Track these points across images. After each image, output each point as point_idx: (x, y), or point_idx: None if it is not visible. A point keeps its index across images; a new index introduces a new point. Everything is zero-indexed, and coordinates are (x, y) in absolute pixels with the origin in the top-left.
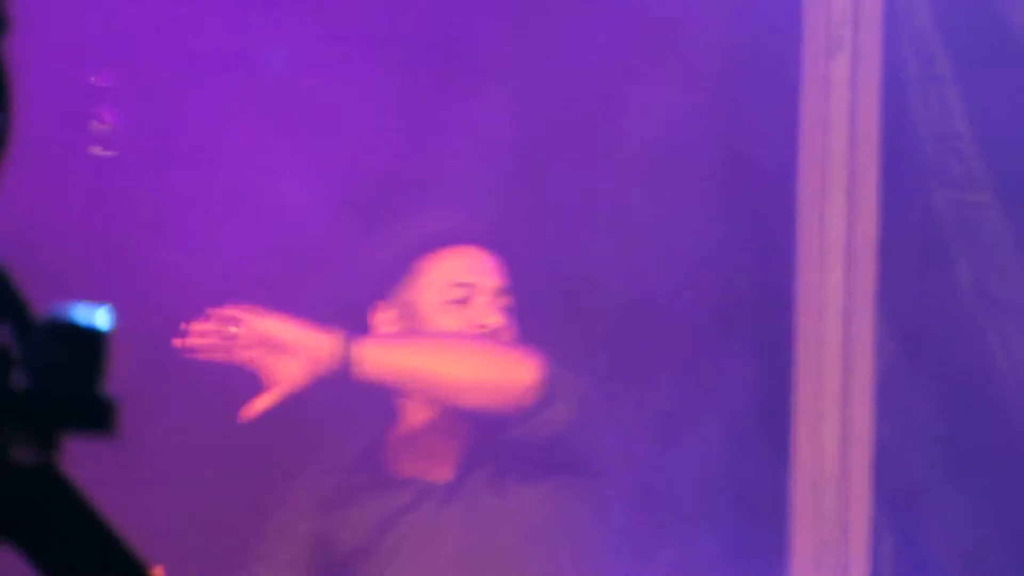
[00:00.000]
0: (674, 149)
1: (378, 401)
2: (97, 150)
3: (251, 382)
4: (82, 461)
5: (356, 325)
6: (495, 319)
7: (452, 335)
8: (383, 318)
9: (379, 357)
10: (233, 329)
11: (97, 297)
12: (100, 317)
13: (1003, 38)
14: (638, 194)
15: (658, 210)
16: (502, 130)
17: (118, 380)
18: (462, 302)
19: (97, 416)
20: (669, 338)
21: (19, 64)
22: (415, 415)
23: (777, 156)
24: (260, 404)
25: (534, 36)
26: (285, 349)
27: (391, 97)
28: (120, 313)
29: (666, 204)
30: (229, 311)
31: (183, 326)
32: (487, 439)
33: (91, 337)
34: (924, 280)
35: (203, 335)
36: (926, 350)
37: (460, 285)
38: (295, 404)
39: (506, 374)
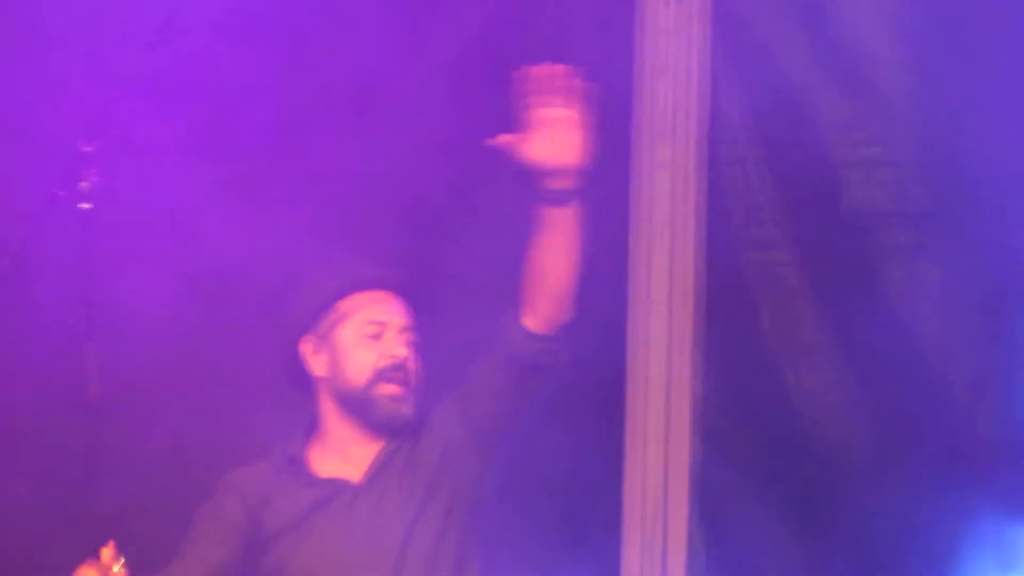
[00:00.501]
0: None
1: (305, 412)
2: (83, 205)
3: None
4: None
5: (289, 355)
6: (402, 351)
7: None
8: (308, 349)
9: None
10: None
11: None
12: None
13: (803, 123)
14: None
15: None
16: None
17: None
18: (375, 337)
19: None
20: None
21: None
22: (335, 426)
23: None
24: None
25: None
26: None
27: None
28: None
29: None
30: None
31: None
32: (396, 450)
33: None
34: (737, 324)
35: None
36: (739, 381)
37: (373, 323)
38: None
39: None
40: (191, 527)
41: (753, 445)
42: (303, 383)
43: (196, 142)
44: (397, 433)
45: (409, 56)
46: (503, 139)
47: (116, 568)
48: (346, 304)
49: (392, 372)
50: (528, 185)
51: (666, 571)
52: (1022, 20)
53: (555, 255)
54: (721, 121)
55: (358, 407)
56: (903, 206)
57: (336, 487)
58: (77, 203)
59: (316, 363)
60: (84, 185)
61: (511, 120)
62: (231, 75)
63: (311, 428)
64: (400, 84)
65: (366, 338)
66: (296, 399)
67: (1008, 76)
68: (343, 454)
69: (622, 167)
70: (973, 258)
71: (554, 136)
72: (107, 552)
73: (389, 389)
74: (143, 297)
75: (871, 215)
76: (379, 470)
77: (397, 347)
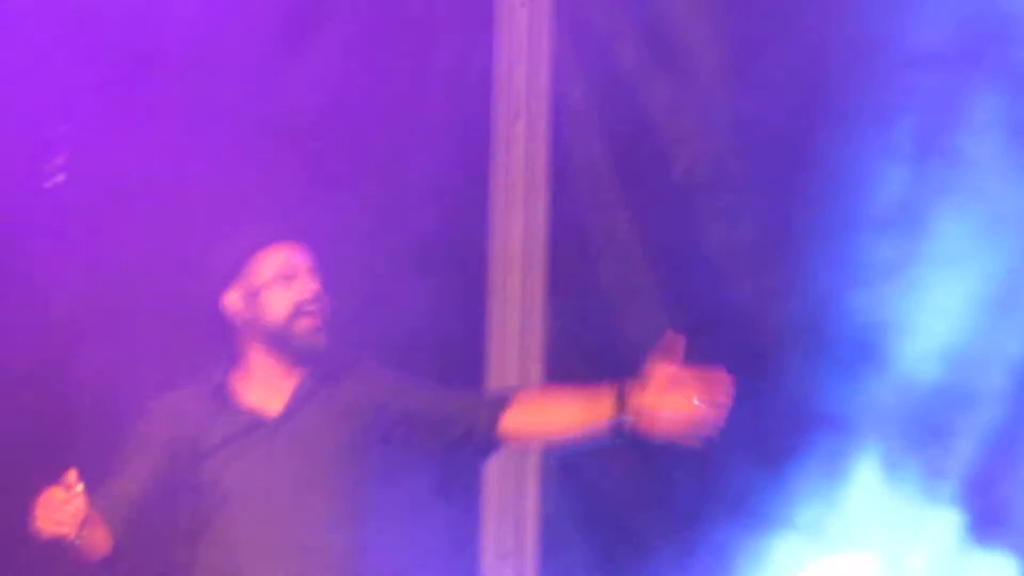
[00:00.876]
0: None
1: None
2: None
3: None
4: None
5: (213, 306)
6: (315, 286)
7: None
8: (232, 298)
9: None
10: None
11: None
12: None
13: (635, 104)
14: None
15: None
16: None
17: None
18: (289, 278)
19: None
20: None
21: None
22: (259, 362)
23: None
24: None
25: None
26: None
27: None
28: None
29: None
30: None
31: None
32: (315, 388)
33: None
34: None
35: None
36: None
37: (287, 266)
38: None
39: None
40: (123, 446)
41: (596, 374)
42: (227, 330)
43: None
44: (315, 361)
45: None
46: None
47: (78, 488)
48: (262, 255)
49: (308, 306)
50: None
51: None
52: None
53: (566, 433)
54: (566, 101)
55: (280, 341)
56: (722, 174)
57: (260, 416)
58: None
59: (240, 310)
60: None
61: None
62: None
63: (232, 363)
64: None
65: (283, 279)
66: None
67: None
68: (266, 386)
69: (485, 139)
70: (778, 216)
71: (681, 421)
72: (71, 475)
73: (306, 321)
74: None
75: (696, 182)
76: (300, 403)
77: (310, 284)
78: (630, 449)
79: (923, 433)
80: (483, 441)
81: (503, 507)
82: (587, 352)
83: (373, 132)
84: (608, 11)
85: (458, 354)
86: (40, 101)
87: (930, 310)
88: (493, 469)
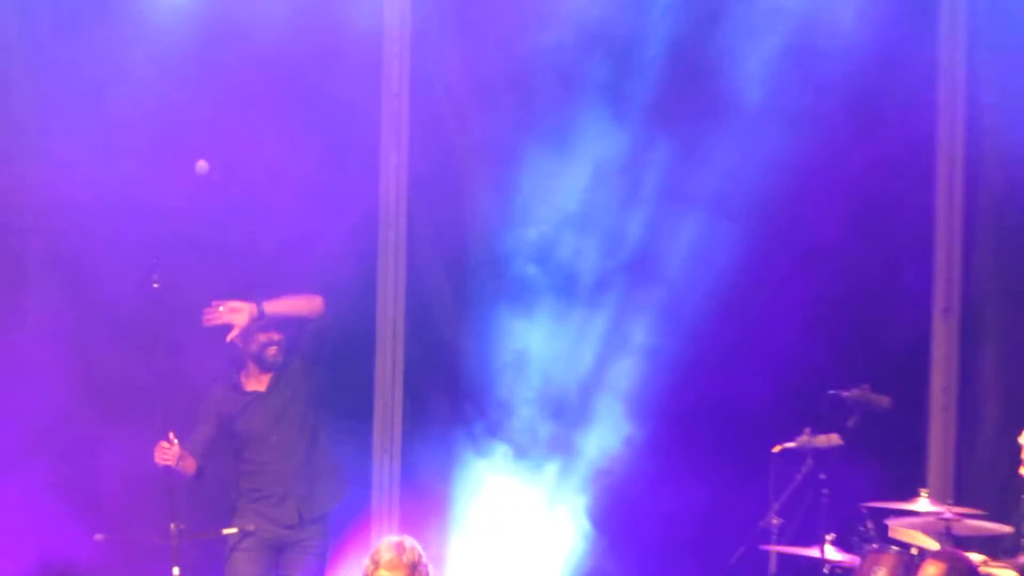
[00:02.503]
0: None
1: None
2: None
3: None
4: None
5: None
6: (276, 337)
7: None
8: (238, 339)
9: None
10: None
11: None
12: None
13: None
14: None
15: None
16: None
17: None
18: (263, 330)
19: None
20: None
21: None
22: (251, 368)
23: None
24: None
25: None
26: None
27: None
28: None
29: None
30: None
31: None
32: (281, 377)
33: None
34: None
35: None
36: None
37: (262, 327)
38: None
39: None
40: (195, 416)
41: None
42: (237, 354)
43: None
44: (276, 368)
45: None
46: None
47: (175, 440)
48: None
49: (271, 346)
50: None
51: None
52: None
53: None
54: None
55: (259, 360)
56: None
57: (258, 394)
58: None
59: (242, 345)
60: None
61: None
62: None
63: (240, 368)
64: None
65: (260, 332)
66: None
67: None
68: (256, 380)
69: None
70: None
71: None
72: (171, 435)
73: (271, 352)
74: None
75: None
76: (275, 385)
77: (273, 336)
78: None
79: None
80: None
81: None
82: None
83: None
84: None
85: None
86: None
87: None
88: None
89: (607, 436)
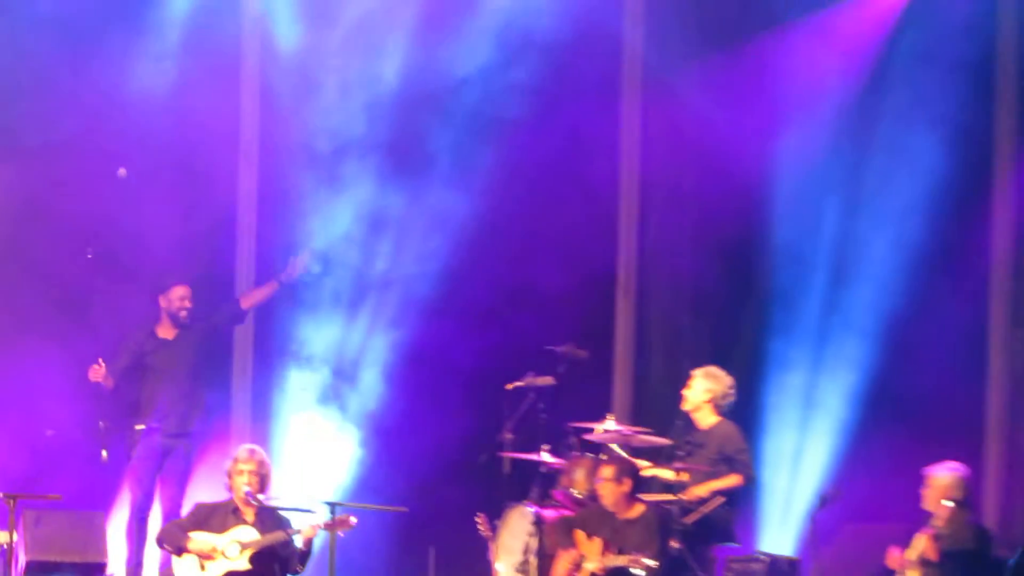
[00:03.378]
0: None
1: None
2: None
3: None
4: None
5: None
6: (186, 299)
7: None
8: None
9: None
10: None
11: None
12: None
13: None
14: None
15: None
16: None
17: None
18: (182, 298)
19: None
20: None
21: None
22: (164, 321)
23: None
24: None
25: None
26: None
27: None
28: None
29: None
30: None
31: None
32: (187, 330)
33: None
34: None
35: None
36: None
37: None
38: None
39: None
40: (120, 350)
41: None
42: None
43: None
44: (182, 327)
45: None
46: None
47: (103, 365)
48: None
49: (183, 306)
50: None
51: None
52: None
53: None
54: None
55: (172, 317)
56: None
57: (166, 341)
58: None
59: (162, 304)
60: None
61: None
62: None
63: (157, 321)
64: None
65: (178, 299)
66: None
67: None
68: (167, 330)
69: None
70: None
71: None
72: (100, 361)
73: (183, 315)
74: None
75: None
76: (181, 334)
77: (187, 304)
78: None
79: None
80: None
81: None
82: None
83: None
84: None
85: None
86: None
87: None
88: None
89: (375, 387)
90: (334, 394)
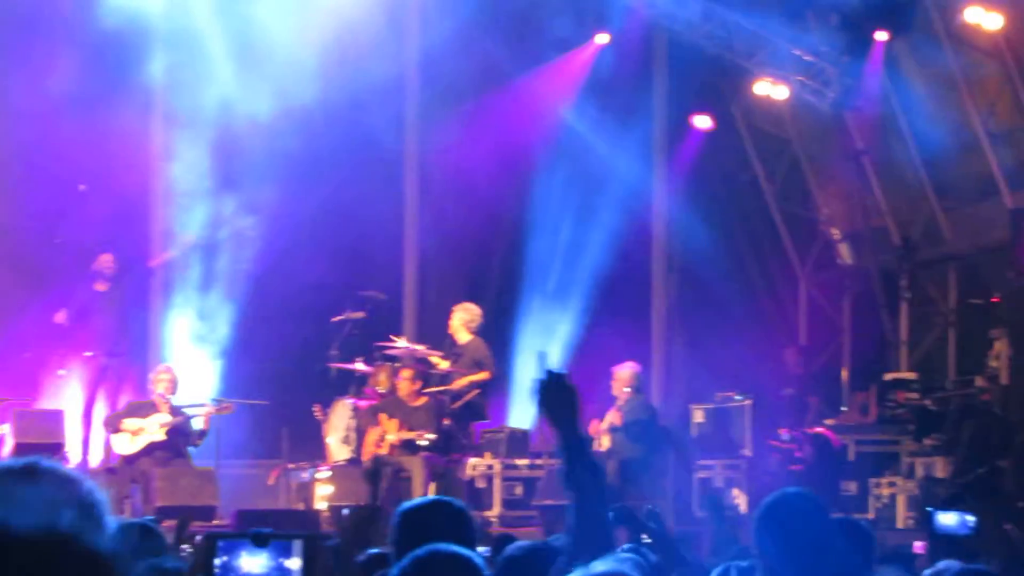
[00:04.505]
0: None
1: None
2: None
3: None
4: None
5: None
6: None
7: None
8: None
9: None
10: None
11: None
12: None
13: None
14: None
15: None
16: None
17: None
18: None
19: None
20: None
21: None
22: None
23: None
24: None
25: None
26: None
27: None
28: None
29: None
30: None
31: None
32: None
33: None
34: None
35: None
36: None
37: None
38: None
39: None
40: (72, 298)
41: None
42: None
43: None
44: (112, 283)
45: None
46: None
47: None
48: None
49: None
50: None
51: None
52: None
53: None
54: None
55: (103, 277)
56: None
57: (102, 292)
58: None
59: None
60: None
61: None
62: None
63: (94, 280)
64: None
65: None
66: None
67: None
68: (103, 285)
69: None
70: None
71: None
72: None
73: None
74: None
75: None
76: (111, 287)
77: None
78: None
79: None
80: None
81: None
82: None
83: None
84: None
85: None
86: None
87: None
88: None
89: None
90: (211, 328)
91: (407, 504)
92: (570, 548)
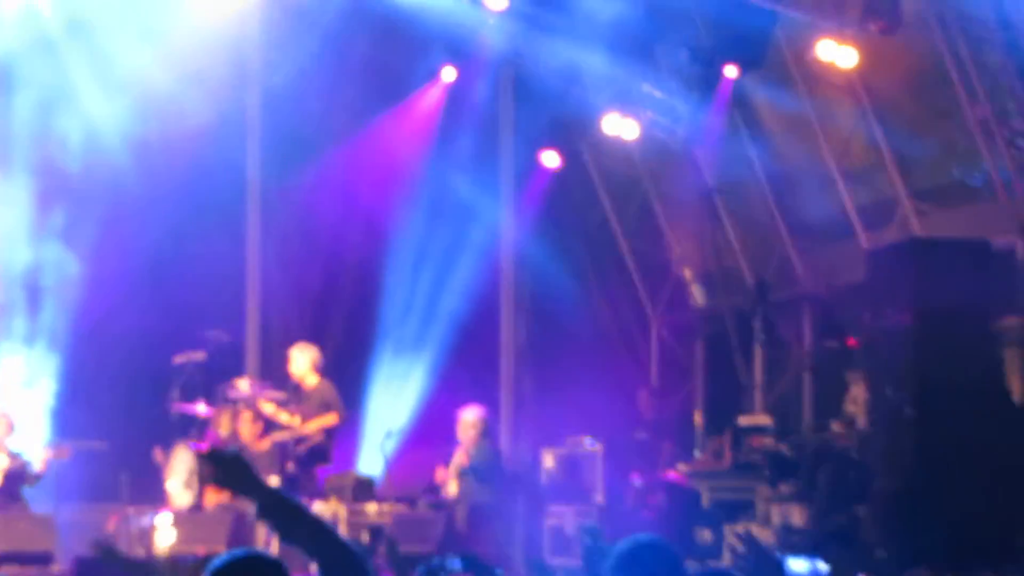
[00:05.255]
0: None
1: None
2: None
3: None
4: None
5: None
6: None
7: None
8: None
9: None
10: None
11: None
12: None
13: None
14: None
15: None
16: None
17: None
18: None
19: None
20: None
21: None
22: None
23: None
24: None
25: None
26: None
27: None
28: None
29: None
30: None
31: None
32: None
33: None
34: None
35: None
36: None
37: None
38: None
39: None
40: None
41: None
42: None
43: None
44: None
45: None
46: None
47: None
48: None
49: None
50: None
51: None
52: None
53: None
54: None
55: None
56: None
57: None
58: None
59: None
60: None
61: None
62: None
63: None
64: None
65: None
66: None
67: None
68: None
69: None
70: None
71: None
72: None
73: None
74: None
75: None
76: None
77: None
78: None
79: None
80: None
81: None
82: None
83: None
84: None
85: None
86: None
87: None
88: None
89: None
90: (42, 370)
91: (217, 561)
92: None
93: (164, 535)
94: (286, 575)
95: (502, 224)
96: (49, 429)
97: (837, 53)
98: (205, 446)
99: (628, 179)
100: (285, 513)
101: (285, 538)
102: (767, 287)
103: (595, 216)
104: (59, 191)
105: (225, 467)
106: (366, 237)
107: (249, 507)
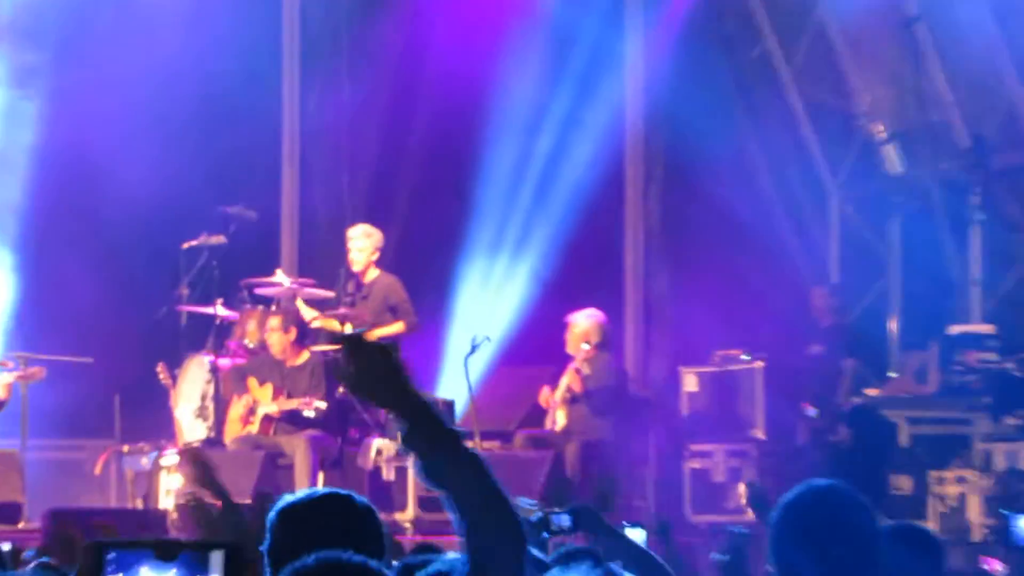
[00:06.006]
0: None
1: None
2: None
3: None
4: None
5: None
6: None
7: None
8: None
9: None
10: None
11: None
12: None
13: None
14: None
15: None
16: None
17: None
18: None
19: None
20: None
21: None
22: None
23: None
24: None
25: None
26: None
27: None
28: None
29: None
30: None
31: None
32: None
33: None
34: None
35: None
36: None
37: None
38: None
39: None
40: None
41: None
42: None
43: None
44: None
45: None
46: None
47: None
48: None
49: None
50: None
51: None
52: None
53: None
54: None
55: None
56: None
57: None
58: None
59: None
60: None
61: None
62: None
63: None
64: None
65: None
66: None
67: None
68: None
69: None
70: None
71: None
72: None
73: None
74: None
75: None
76: None
77: None
78: None
79: None
80: None
81: None
82: None
83: None
84: None
85: None
86: None
87: None
88: None
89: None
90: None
91: (289, 499)
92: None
93: (170, 480)
94: (377, 523)
95: (629, 66)
96: (10, 341)
97: None
98: (227, 361)
99: (800, 4)
100: (441, 444)
101: (432, 478)
102: (988, 149)
103: (754, 53)
104: None
105: (370, 360)
106: (456, 90)
107: (287, 443)
